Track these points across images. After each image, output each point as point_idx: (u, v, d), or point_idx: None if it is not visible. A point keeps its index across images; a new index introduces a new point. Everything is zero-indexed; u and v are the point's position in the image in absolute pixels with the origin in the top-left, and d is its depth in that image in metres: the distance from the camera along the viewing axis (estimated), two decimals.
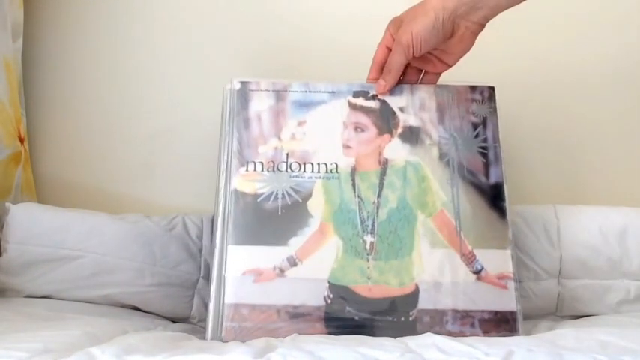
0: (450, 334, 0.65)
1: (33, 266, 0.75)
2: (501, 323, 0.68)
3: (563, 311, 0.81)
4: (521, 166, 0.94)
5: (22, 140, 0.87)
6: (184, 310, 0.79)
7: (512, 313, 0.68)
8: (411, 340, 0.59)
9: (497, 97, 0.77)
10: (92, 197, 0.93)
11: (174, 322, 0.78)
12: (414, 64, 0.76)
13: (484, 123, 0.75)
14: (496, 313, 0.68)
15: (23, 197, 0.86)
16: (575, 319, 0.80)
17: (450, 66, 0.76)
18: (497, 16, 0.72)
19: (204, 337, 0.66)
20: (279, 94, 0.74)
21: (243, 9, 0.96)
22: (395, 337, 0.63)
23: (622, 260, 0.80)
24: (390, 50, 0.75)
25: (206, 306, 0.70)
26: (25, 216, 0.77)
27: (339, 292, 0.67)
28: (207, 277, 0.77)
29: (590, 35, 0.99)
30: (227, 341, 0.64)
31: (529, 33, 0.97)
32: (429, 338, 0.59)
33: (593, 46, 0.98)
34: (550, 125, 0.98)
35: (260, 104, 0.74)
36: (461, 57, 0.75)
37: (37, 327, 0.61)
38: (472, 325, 0.67)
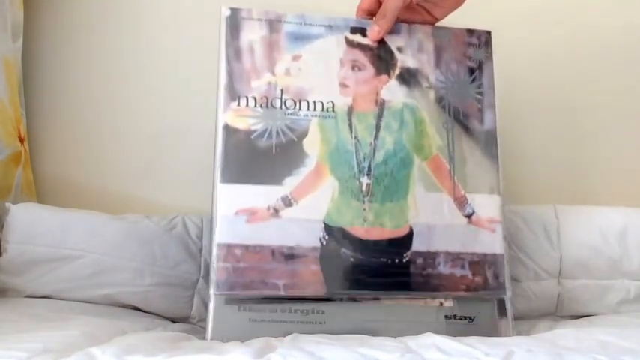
0: (440, 275, 0.67)
1: (33, 266, 0.75)
2: (490, 265, 0.69)
3: (563, 311, 0.81)
4: (521, 166, 0.94)
5: (22, 140, 0.87)
6: (184, 310, 0.79)
7: (500, 256, 0.70)
8: (410, 340, 0.59)
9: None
10: (92, 197, 0.93)
11: (174, 322, 0.78)
12: (401, 14, 0.73)
13: (480, 68, 0.74)
14: (485, 255, 0.69)
15: (23, 197, 0.86)
16: (575, 319, 0.80)
17: (437, 20, 0.75)
18: None
19: (204, 337, 0.66)
20: (273, 25, 0.70)
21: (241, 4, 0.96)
22: (389, 278, 0.66)
23: (622, 260, 0.80)
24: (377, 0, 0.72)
25: (206, 306, 0.69)
26: (25, 216, 0.77)
27: (335, 233, 0.67)
28: (207, 277, 0.77)
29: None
30: (219, 281, 0.64)
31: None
32: (429, 338, 0.59)
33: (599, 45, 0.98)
34: (550, 126, 0.98)
35: (252, 34, 0.70)
36: (451, 11, 0.74)
37: (37, 327, 0.61)
38: (462, 266, 0.68)
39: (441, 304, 0.68)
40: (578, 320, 0.79)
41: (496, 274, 0.69)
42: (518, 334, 0.70)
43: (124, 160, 0.94)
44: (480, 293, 0.68)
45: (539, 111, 0.97)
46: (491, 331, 0.67)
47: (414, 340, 0.59)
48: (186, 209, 0.86)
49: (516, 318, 0.73)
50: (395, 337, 0.62)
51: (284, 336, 0.63)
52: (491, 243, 0.70)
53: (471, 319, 0.68)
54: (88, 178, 0.94)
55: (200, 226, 0.82)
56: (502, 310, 0.69)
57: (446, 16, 0.74)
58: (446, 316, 0.68)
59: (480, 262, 0.69)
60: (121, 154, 0.94)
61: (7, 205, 0.78)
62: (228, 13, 0.71)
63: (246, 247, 0.65)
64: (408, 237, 0.68)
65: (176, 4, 0.97)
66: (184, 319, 0.79)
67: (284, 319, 0.66)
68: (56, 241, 0.76)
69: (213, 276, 0.64)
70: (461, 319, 0.68)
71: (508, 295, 0.69)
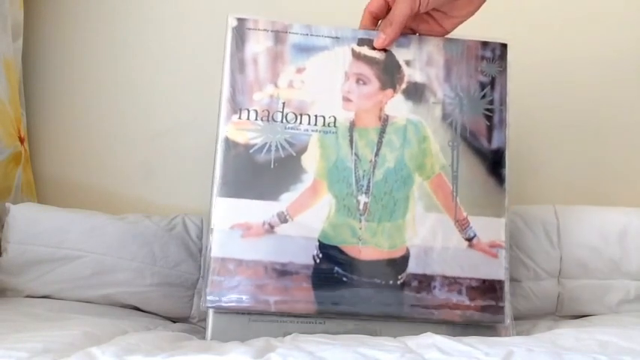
0: (435, 299, 0.66)
1: (33, 266, 0.76)
2: (488, 292, 0.67)
3: (563, 311, 0.81)
4: (521, 166, 0.94)
5: (22, 140, 0.87)
6: (184, 310, 0.79)
7: (500, 282, 0.68)
8: (410, 341, 0.59)
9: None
10: (92, 197, 0.93)
11: (174, 322, 0.78)
12: (408, 24, 0.70)
13: (492, 83, 0.71)
14: (484, 281, 0.67)
15: (23, 197, 0.86)
16: (575, 319, 0.80)
17: (446, 32, 0.71)
18: None
19: (204, 337, 0.66)
20: (279, 36, 0.69)
21: (245, 10, 0.96)
22: (382, 300, 0.65)
23: (622, 260, 0.80)
24: (386, 2, 0.70)
25: None
26: (25, 216, 0.77)
27: (329, 251, 0.66)
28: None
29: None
30: (211, 294, 0.64)
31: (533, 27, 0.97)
32: (429, 338, 0.59)
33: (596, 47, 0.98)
34: (550, 126, 0.98)
35: (257, 45, 0.69)
36: (461, 22, 0.71)
37: (37, 327, 0.61)
38: (459, 292, 0.67)
39: None
40: (578, 320, 0.79)
41: (495, 300, 0.67)
42: (519, 334, 0.70)
43: (124, 160, 0.95)
44: (475, 321, 0.67)
45: (539, 111, 0.97)
46: (491, 331, 0.67)
47: (414, 340, 0.59)
48: (186, 209, 0.86)
49: (516, 318, 0.73)
50: (395, 337, 0.62)
51: (284, 336, 0.63)
52: (491, 268, 0.68)
53: None
54: (88, 178, 0.94)
55: (200, 226, 0.82)
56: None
57: (455, 27, 0.71)
58: None
59: (478, 288, 0.67)
60: (121, 154, 0.95)
61: (7, 205, 0.78)
62: (235, 23, 0.69)
63: (239, 262, 0.65)
64: (404, 258, 0.67)
65: (177, 5, 0.97)
66: (184, 319, 0.79)
67: (284, 319, 0.66)
68: (56, 241, 0.76)
69: (206, 289, 0.64)
70: None
71: (506, 322, 0.67)
